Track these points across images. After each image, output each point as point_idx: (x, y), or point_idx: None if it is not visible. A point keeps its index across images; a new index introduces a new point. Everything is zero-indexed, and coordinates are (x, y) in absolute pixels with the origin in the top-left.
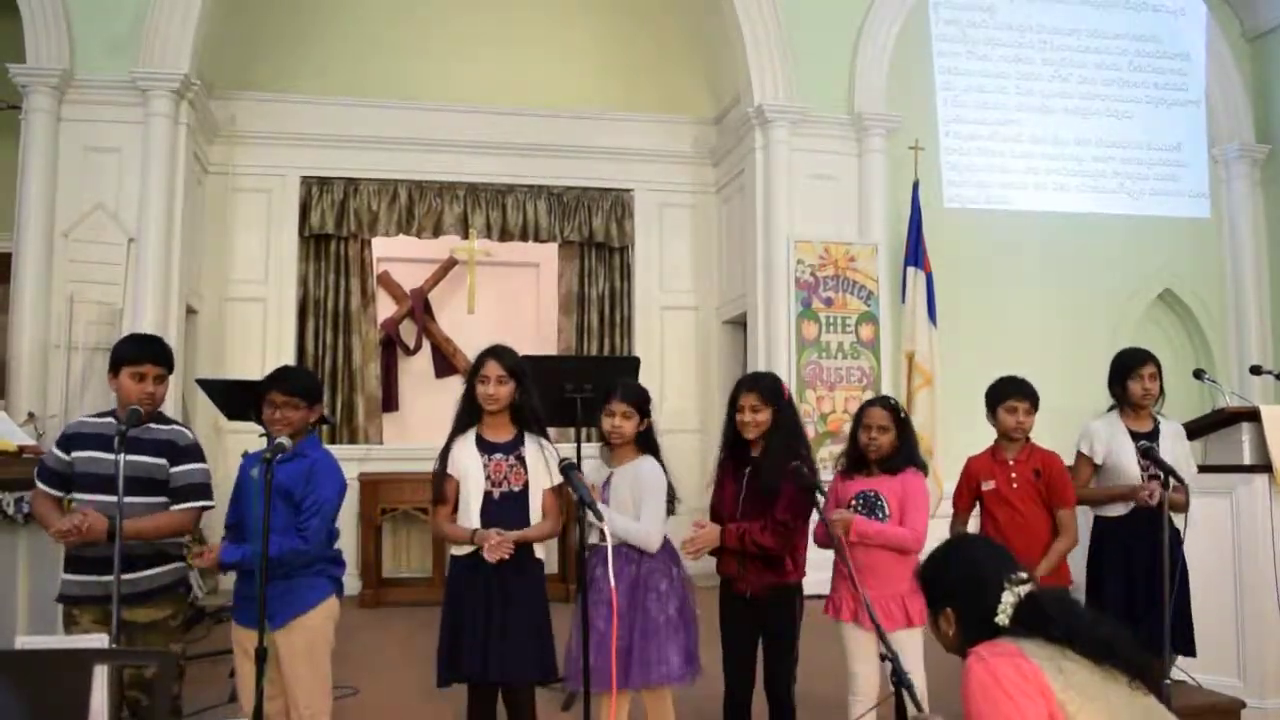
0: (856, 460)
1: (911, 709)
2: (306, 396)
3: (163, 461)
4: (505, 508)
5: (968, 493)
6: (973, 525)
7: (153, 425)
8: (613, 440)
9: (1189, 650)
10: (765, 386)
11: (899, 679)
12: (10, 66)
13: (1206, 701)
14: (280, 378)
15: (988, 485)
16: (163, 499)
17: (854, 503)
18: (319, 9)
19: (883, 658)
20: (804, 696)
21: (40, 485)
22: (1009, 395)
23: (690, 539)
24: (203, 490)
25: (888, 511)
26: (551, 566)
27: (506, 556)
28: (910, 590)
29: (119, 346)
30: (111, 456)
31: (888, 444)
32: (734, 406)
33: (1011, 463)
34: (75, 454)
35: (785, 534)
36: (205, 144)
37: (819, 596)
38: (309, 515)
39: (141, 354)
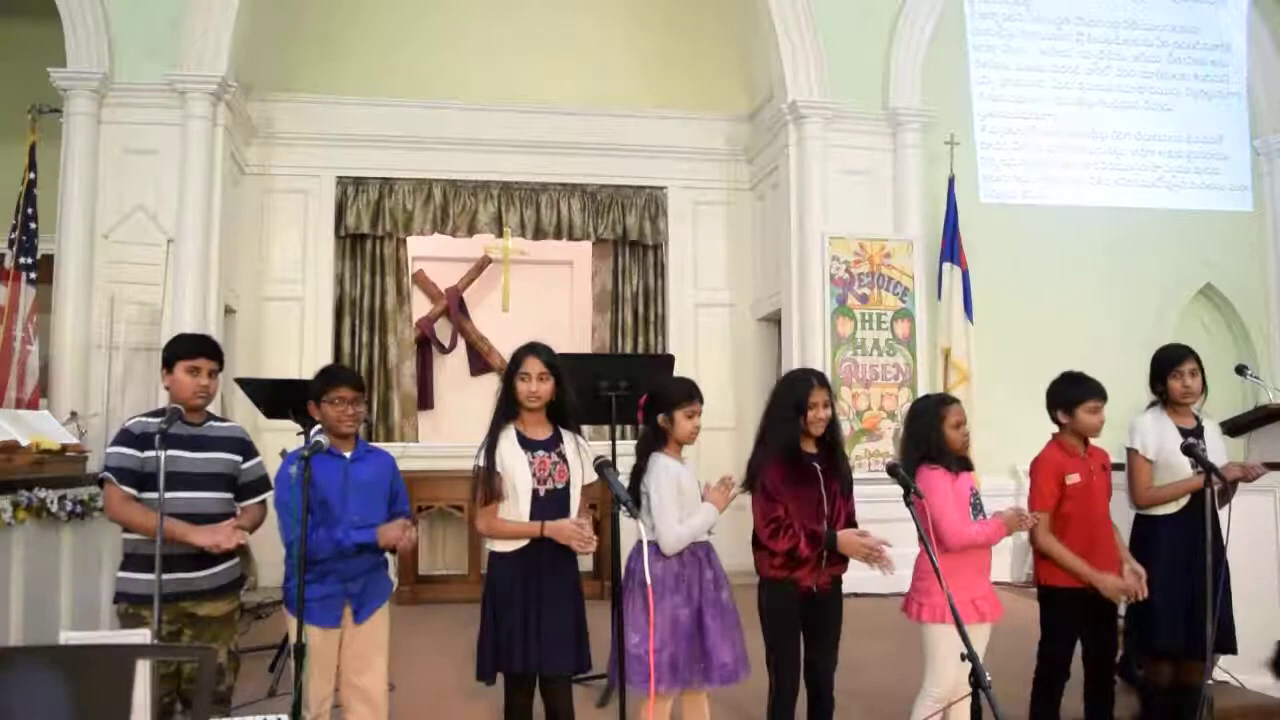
0: (944, 459)
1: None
2: (365, 391)
3: (237, 458)
4: (551, 504)
5: (1054, 488)
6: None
7: (213, 423)
8: (692, 440)
9: (1230, 648)
10: (829, 381)
11: (978, 680)
12: (51, 70)
13: (1250, 703)
14: (346, 374)
15: (1072, 479)
16: (231, 495)
17: (972, 500)
18: (354, 11)
19: (963, 657)
20: (837, 688)
21: (124, 489)
22: (1091, 395)
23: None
24: (269, 483)
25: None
26: (585, 564)
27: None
28: (990, 588)
29: (172, 344)
30: (187, 454)
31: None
32: (802, 405)
33: (1085, 457)
34: (148, 453)
35: None
36: (242, 145)
37: (856, 595)
38: (404, 504)
39: (196, 349)
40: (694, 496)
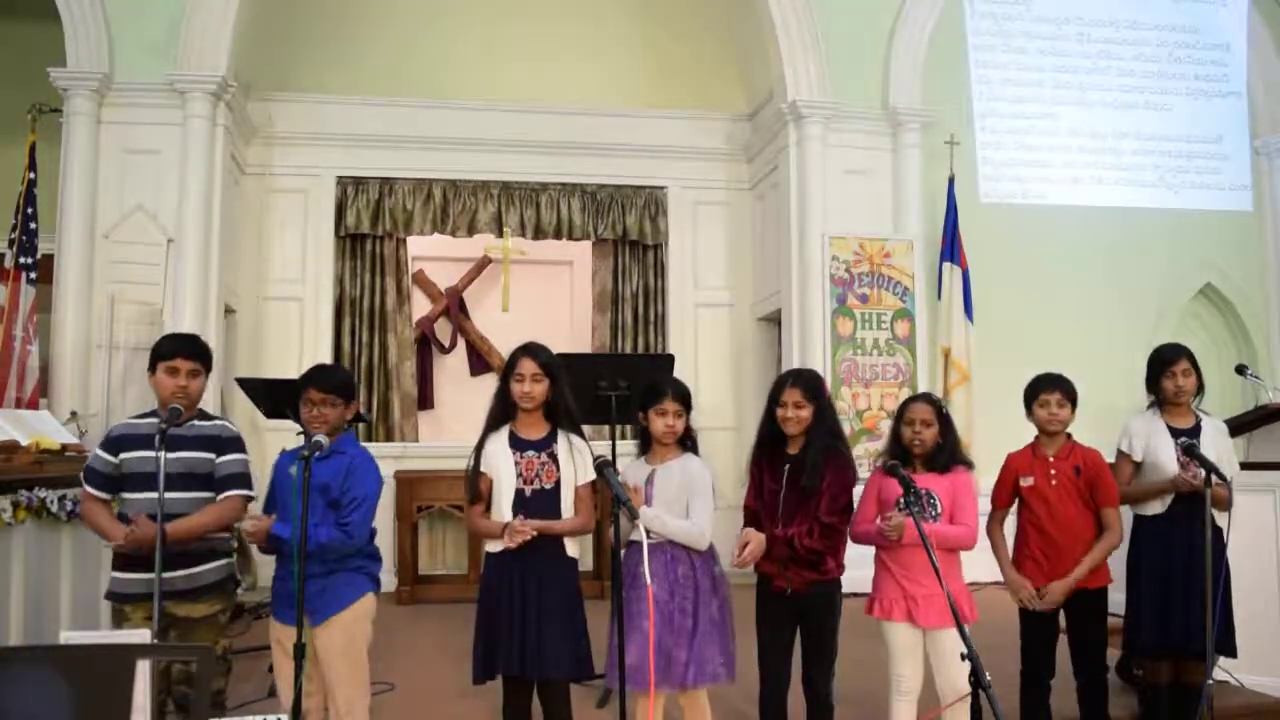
0: (899, 458)
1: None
2: (343, 393)
3: (210, 456)
4: (537, 505)
5: (1007, 489)
6: (1009, 522)
7: (196, 422)
8: (664, 439)
9: (1230, 651)
10: (808, 382)
11: (978, 680)
12: (51, 70)
13: (1250, 702)
14: (316, 375)
15: (1026, 481)
16: (210, 494)
17: (902, 502)
18: (354, 10)
19: (963, 656)
20: (841, 693)
21: (89, 489)
22: (1041, 389)
23: (741, 554)
24: (244, 480)
25: (940, 509)
26: (586, 564)
27: (528, 538)
28: (959, 589)
29: (156, 344)
30: (160, 454)
31: (931, 439)
32: (775, 402)
33: (1051, 459)
34: (123, 455)
35: (831, 535)
36: (242, 145)
37: (856, 595)
38: (350, 510)
39: (173, 349)
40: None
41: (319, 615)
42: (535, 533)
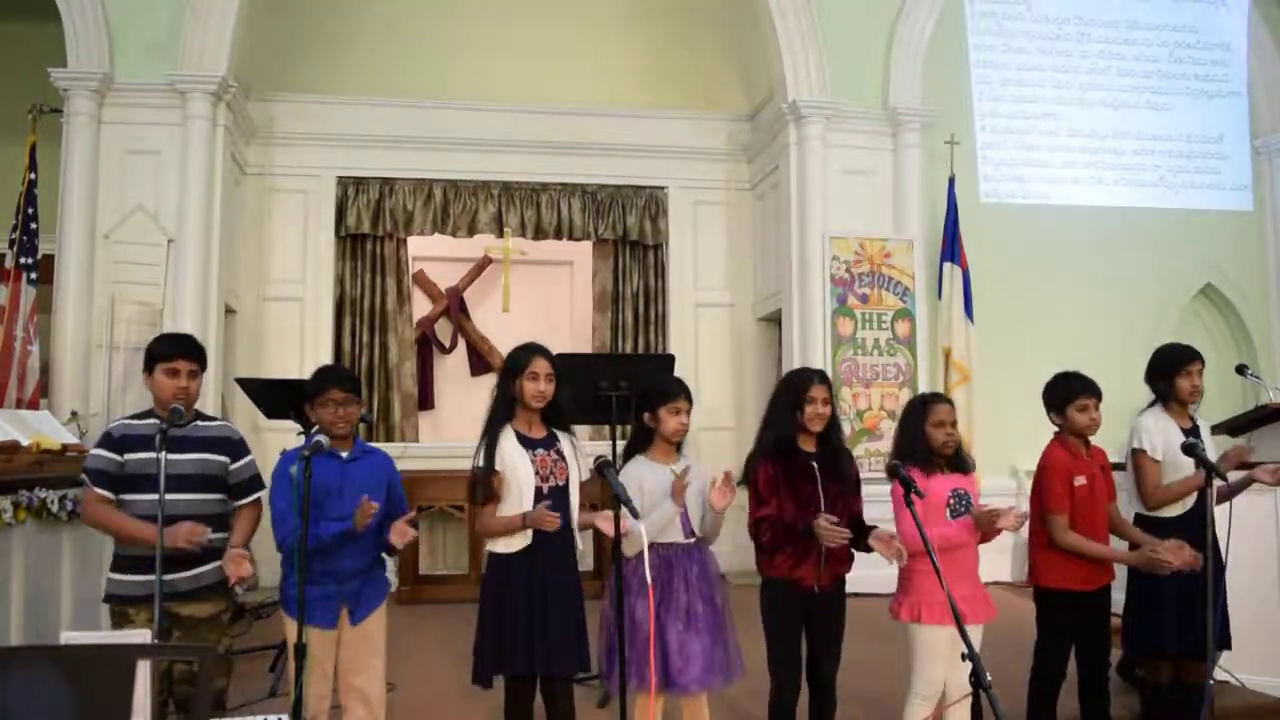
0: (909, 458)
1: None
2: (360, 391)
3: (223, 459)
4: (554, 501)
5: (1068, 491)
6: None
7: (199, 423)
8: (675, 438)
9: (1225, 644)
10: (829, 380)
11: (978, 680)
12: (51, 70)
13: (1250, 702)
14: (335, 376)
15: (1079, 481)
16: (219, 495)
17: (951, 501)
18: (354, 10)
19: (964, 657)
20: (839, 687)
21: (96, 490)
22: (1079, 394)
23: (896, 554)
24: (261, 481)
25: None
26: (585, 564)
27: (629, 531)
28: (979, 589)
29: (152, 345)
30: (169, 456)
31: (957, 439)
32: (802, 399)
33: (1087, 458)
34: (127, 455)
35: None
36: (243, 145)
37: (856, 595)
38: (404, 506)
39: (173, 350)
40: (658, 498)
41: (360, 613)
42: (625, 526)
